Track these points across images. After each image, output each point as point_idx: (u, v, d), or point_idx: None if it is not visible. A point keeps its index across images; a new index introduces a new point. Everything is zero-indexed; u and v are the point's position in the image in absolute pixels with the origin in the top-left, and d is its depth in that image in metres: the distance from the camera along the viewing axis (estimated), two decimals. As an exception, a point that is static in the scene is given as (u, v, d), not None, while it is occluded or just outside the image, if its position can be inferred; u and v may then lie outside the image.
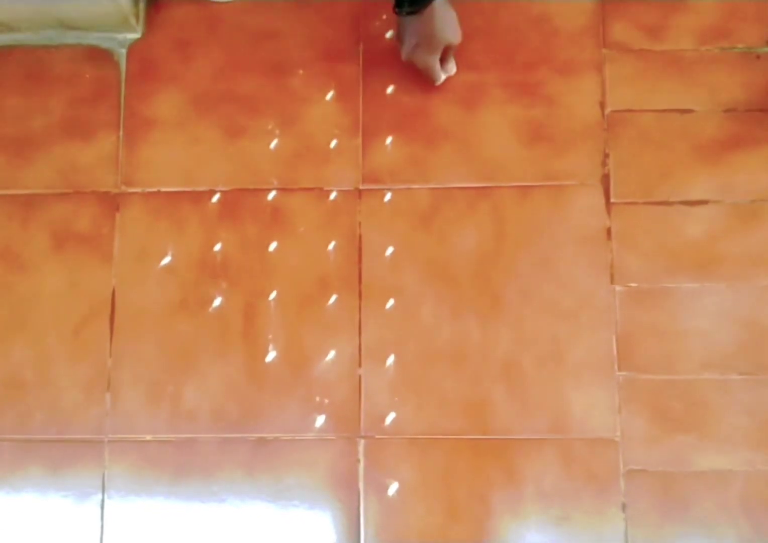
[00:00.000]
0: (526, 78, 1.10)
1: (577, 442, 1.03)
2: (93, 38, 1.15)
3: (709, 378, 1.04)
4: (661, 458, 1.02)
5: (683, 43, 1.11)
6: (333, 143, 1.10)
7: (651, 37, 1.12)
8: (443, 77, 1.08)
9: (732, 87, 1.10)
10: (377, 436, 1.04)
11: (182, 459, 1.04)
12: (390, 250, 1.08)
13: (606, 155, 1.08)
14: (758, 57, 1.11)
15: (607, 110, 1.10)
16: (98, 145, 1.12)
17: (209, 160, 1.11)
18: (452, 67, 1.09)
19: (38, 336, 1.07)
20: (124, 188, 1.11)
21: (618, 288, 1.06)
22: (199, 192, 1.10)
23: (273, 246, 1.08)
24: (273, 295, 1.07)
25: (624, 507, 1.01)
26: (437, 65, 1.05)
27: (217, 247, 1.09)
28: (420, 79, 1.10)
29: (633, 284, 1.06)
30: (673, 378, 1.04)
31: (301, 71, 1.12)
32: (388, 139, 1.10)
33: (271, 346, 1.06)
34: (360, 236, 1.08)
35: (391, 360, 1.05)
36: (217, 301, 1.07)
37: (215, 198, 1.10)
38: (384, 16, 1.13)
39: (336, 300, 1.07)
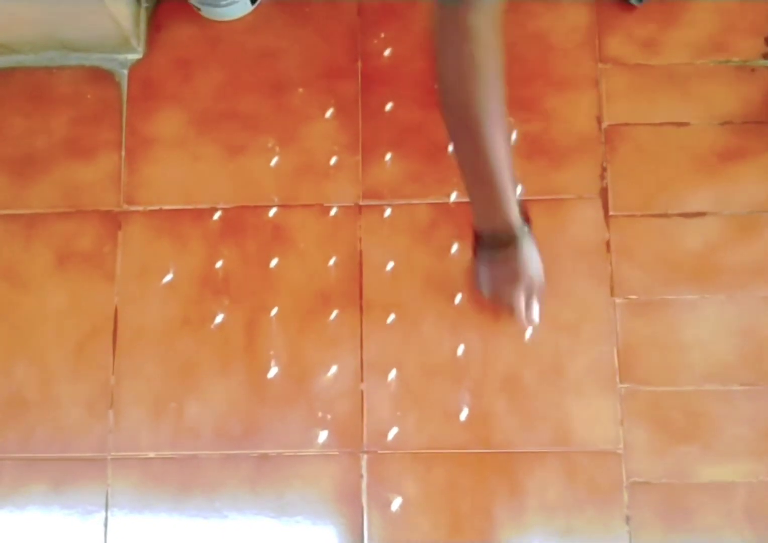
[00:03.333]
0: (524, 93, 1.11)
1: (579, 454, 1.03)
2: (94, 59, 1.16)
3: (710, 389, 1.04)
4: (664, 470, 1.02)
5: (679, 57, 1.13)
6: (333, 160, 1.11)
7: (646, 52, 1.13)
8: (532, 321, 0.97)
9: (728, 100, 1.11)
10: (380, 451, 1.04)
11: (185, 476, 1.04)
12: (390, 265, 1.08)
13: (604, 169, 1.09)
14: (753, 70, 1.12)
15: (604, 124, 1.11)
16: (100, 165, 1.13)
17: (210, 177, 1.12)
18: (536, 314, 0.97)
19: (41, 354, 1.08)
20: (126, 206, 1.11)
21: (618, 300, 1.06)
22: (200, 209, 1.11)
23: (274, 262, 1.09)
24: (274, 311, 1.07)
25: (628, 519, 1.01)
26: (522, 304, 0.96)
27: (219, 263, 1.09)
28: (418, 96, 1.11)
29: (633, 296, 1.06)
30: (674, 389, 1.04)
31: (300, 89, 1.14)
32: (388, 155, 1.11)
33: (273, 362, 1.06)
34: (360, 252, 1.09)
35: (392, 374, 1.05)
36: (219, 318, 1.08)
37: (216, 215, 1.10)
38: (382, 35, 1.14)
39: (337, 315, 1.07)
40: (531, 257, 0.93)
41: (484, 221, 0.92)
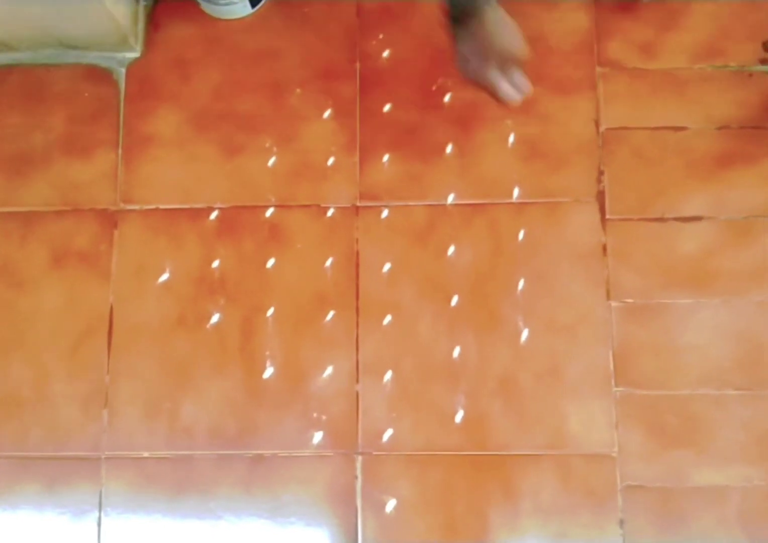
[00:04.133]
0: (522, 96, 1.12)
1: (574, 457, 1.03)
2: (92, 57, 1.16)
3: (705, 393, 1.04)
4: (659, 474, 1.02)
5: (677, 62, 1.13)
6: (330, 161, 1.11)
7: (645, 56, 1.13)
8: (515, 94, 0.89)
9: (725, 104, 1.11)
10: (375, 453, 1.04)
11: (179, 476, 1.04)
12: (387, 266, 1.08)
13: (601, 172, 1.09)
14: (751, 75, 1.12)
15: (602, 128, 1.11)
16: (97, 163, 1.12)
17: (207, 177, 1.11)
18: (524, 83, 0.89)
19: (36, 353, 1.07)
20: (122, 205, 1.11)
21: (614, 304, 1.06)
22: (197, 209, 1.11)
23: (271, 262, 1.09)
24: (271, 311, 1.07)
25: (622, 523, 1.01)
26: (499, 79, 0.88)
27: (215, 263, 1.09)
28: (416, 97, 1.11)
29: (629, 300, 1.06)
30: (669, 393, 1.04)
31: (298, 90, 1.13)
32: (385, 157, 1.11)
33: (268, 363, 1.06)
34: (357, 252, 1.09)
35: (388, 376, 1.05)
36: (215, 318, 1.08)
37: (213, 215, 1.10)
38: (380, 36, 1.14)
39: (333, 316, 1.07)
40: (497, 27, 0.87)
41: None
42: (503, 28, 0.88)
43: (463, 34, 0.89)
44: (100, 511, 1.04)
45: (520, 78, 0.89)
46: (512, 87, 0.89)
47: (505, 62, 0.89)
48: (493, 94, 0.90)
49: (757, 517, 1.01)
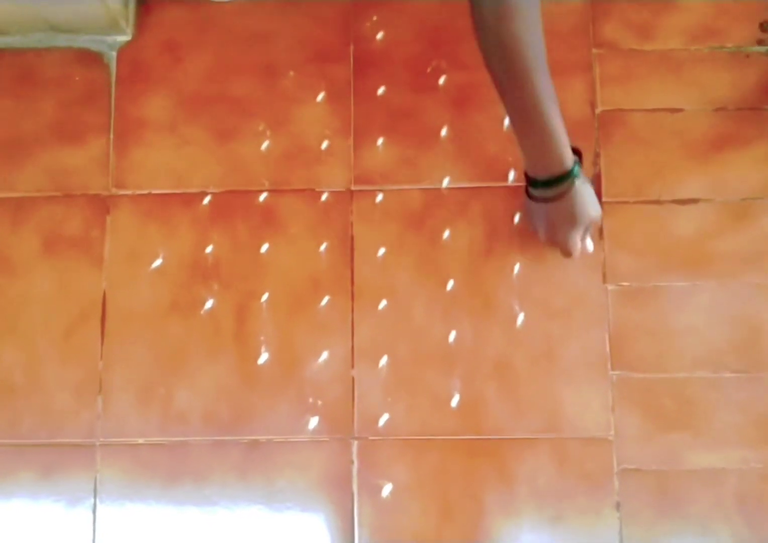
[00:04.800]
0: (517, 78, 1.10)
1: (570, 441, 1.02)
2: (83, 41, 1.14)
3: (701, 376, 1.04)
4: (655, 457, 1.02)
5: (673, 43, 1.12)
6: (324, 144, 1.10)
7: (641, 37, 1.12)
8: (578, 255, 0.98)
9: (722, 86, 1.11)
10: (371, 438, 1.03)
11: (174, 462, 1.04)
12: (382, 250, 1.07)
13: (597, 155, 1.09)
14: (748, 56, 1.11)
15: (598, 110, 1.10)
16: (88, 148, 1.11)
17: (200, 162, 1.10)
18: (590, 245, 1.00)
19: (28, 339, 1.07)
20: (114, 191, 1.10)
21: (610, 287, 1.06)
22: (190, 194, 1.10)
23: (265, 247, 1.08)
24: (265, 296, 1.07)
25: (618, 506, 1.01)
26: (578, 247, 0.98)
27: (209, 249, 1.08)
28: (411, 80, 1.10)
29: (625, 283, 1.06)
30: (666, 376, 1.04)
31: (291, 73, 1.12)
32: (380, 140, 1.10)
33: (263, 348, 1.06)
34: (352, 237, 1.08)
35: (384, 361, 1.05)
36: (209, 303, 1.07)
37: (206, 200, 1.09)
38: (374, 18, 1.13)
39: (328, 301, 1.07)
40: (588, 198, 0.93)
41: (537, 167, 0.91)
42: (591, 199, 0.94)
43: (548, 201, 0.93)
44: (95, 498, 1.04)
45: (590, 241, 1.00)
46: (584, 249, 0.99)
47: (588, 228, 0.97)
48: (566, 254, 0.99)
49: (754, 499, 1.01)
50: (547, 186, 0.92)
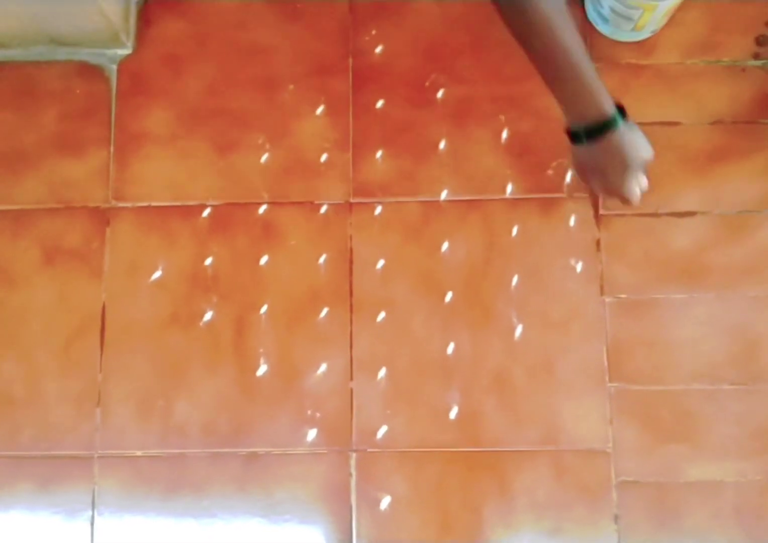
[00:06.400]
0: (514, 92, 1.11)
1: (568, 453, 1.02)
2: (84, 54, 1.15)
3: (699, 388, 1.04)
4: (653, 469, 1.02)
5: (669, 57, 1.13)
6: (323, 157, 1.11)
7: (637, 51, 1.13)
8: (640, 197, 0.94)
9: (718, 100, 1.11)
10: (369, 450, 1.03)
11: (173, 474, 1.04)
12: (381, 262, 1.08)
13: (594, 167, 1.09)
14: (744, 70, 1.12)
15: (595, 123, 1.10)
16: (89, 160, 1.12)
17: (200, 174, 1.11)
18: (647, 183, 0.94)
19: (28, 351, 1.07)
20: (114, 203, 1.11)
21: (608, 299, 1.06)
22: (189, 206, 1.10)
23: (264, 260, 1.08)
24: (264, 308, 1.07)
25: (616, 518, 1.01)
26: (636, 189, 0.93)
27: (208, 261, 1.09)
28: (409, 93, 1.11)
29: (623, 295, 1.06)
30: (663, 388, 1.04)
31: (291, 86, 1.13)
32: (378, 153, 1.11)
33: (262, 360, 1.06)
34: (351, 249, 1.09)
35: (382, 373, 1.05)
36: (208, 315, 1.07)
37: (206, 212, 1.10)
38: (373, 32, 1.14)
39: (327, 313, 1.07)
40: (638, 139, 0.92)
41: (577, 117, 0.89)
42: (641, 140, 0.92)
43: (595, 152, 0.91)
44: (93, 510, 1.04)
45: (645, 180, 0.94)
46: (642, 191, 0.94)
47: (641, 170, 0.93)
48: (623, 200, 0.95)
49: (752, 511, 1.01)
50: (589, 135, 0.89)
